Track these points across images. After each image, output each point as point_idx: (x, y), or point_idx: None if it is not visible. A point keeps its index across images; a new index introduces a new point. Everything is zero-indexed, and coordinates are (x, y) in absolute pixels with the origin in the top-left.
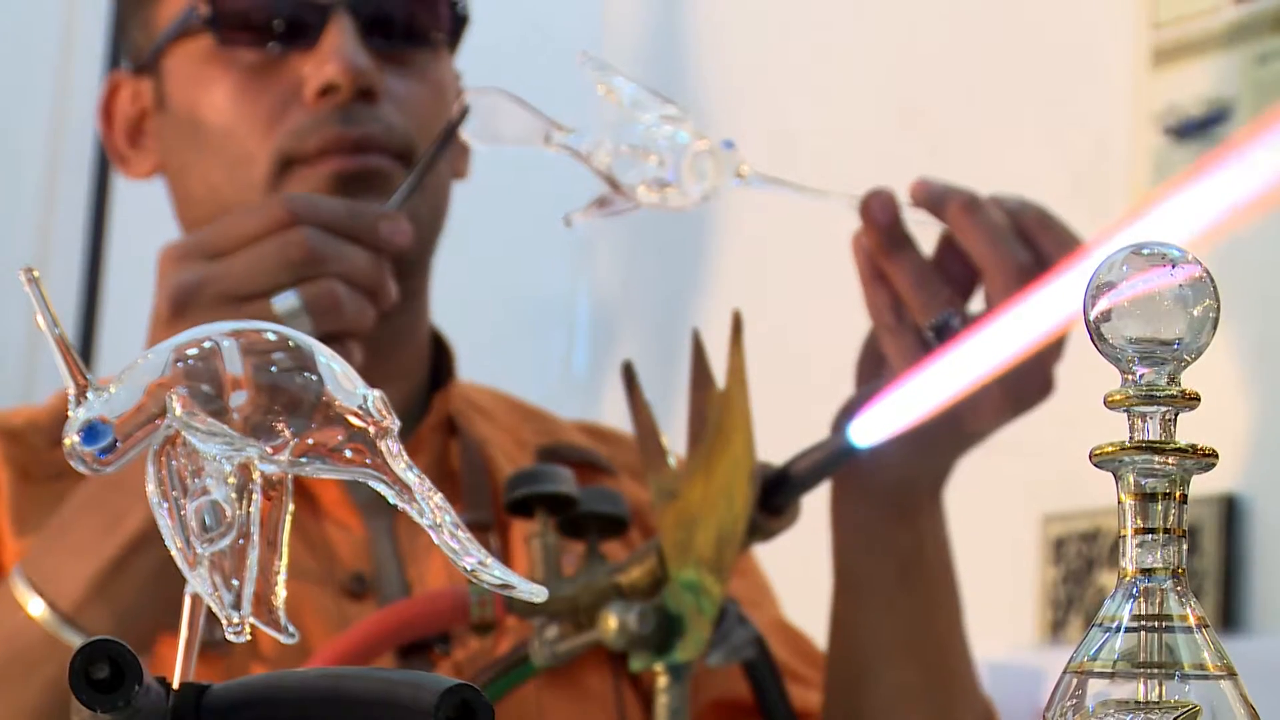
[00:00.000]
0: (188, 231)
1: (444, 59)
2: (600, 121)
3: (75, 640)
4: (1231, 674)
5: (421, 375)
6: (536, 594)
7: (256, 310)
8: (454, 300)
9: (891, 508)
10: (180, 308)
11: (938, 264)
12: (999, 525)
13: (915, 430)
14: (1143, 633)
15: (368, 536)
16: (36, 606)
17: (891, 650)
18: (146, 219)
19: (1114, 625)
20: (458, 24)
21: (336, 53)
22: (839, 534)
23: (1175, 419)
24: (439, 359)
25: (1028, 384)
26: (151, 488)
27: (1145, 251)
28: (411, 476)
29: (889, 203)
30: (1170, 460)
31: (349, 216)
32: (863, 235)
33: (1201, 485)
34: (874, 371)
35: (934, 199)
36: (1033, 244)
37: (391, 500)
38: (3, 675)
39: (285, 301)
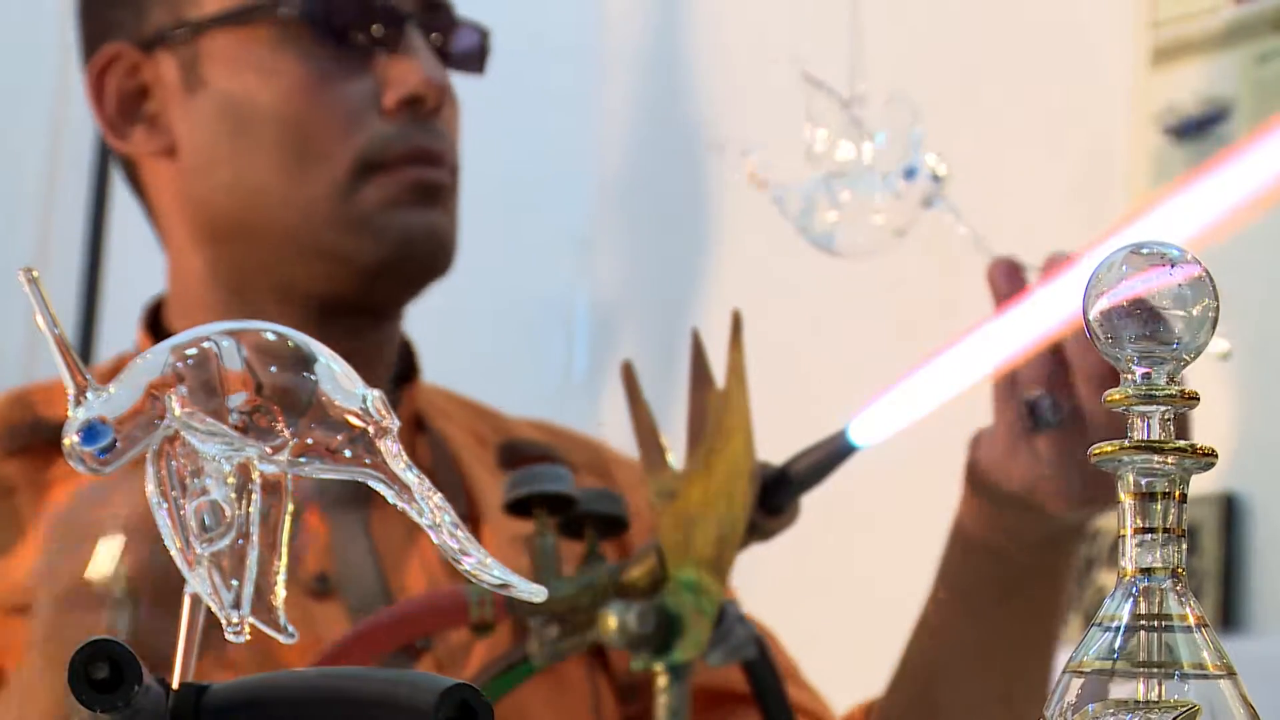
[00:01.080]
0: (205, 215)
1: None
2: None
3: None
4: (1231, 673)
5: (393, 374)
6: (536, 593)
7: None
8: (454, 301)
9: (1008, 533)
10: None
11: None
12: None
13: (1029, 501)
14: (1142, 632)
15: (332, 536)
16: None
17: (968, 659)
18: (146, 219)
19: (1113, 624)
20: (485, 57)
21: (427, 67)
22: (952, 536)
23: (1174, 418)
24: (403, 357)
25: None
26: (151, 488)
27: (1144, 251)
28: (411, 476)
29: (1012, 273)
30: (1170, 460)
31: None
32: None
33: (1201, 484)
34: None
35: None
36: None
37: (391, 500)
38: None
39: None
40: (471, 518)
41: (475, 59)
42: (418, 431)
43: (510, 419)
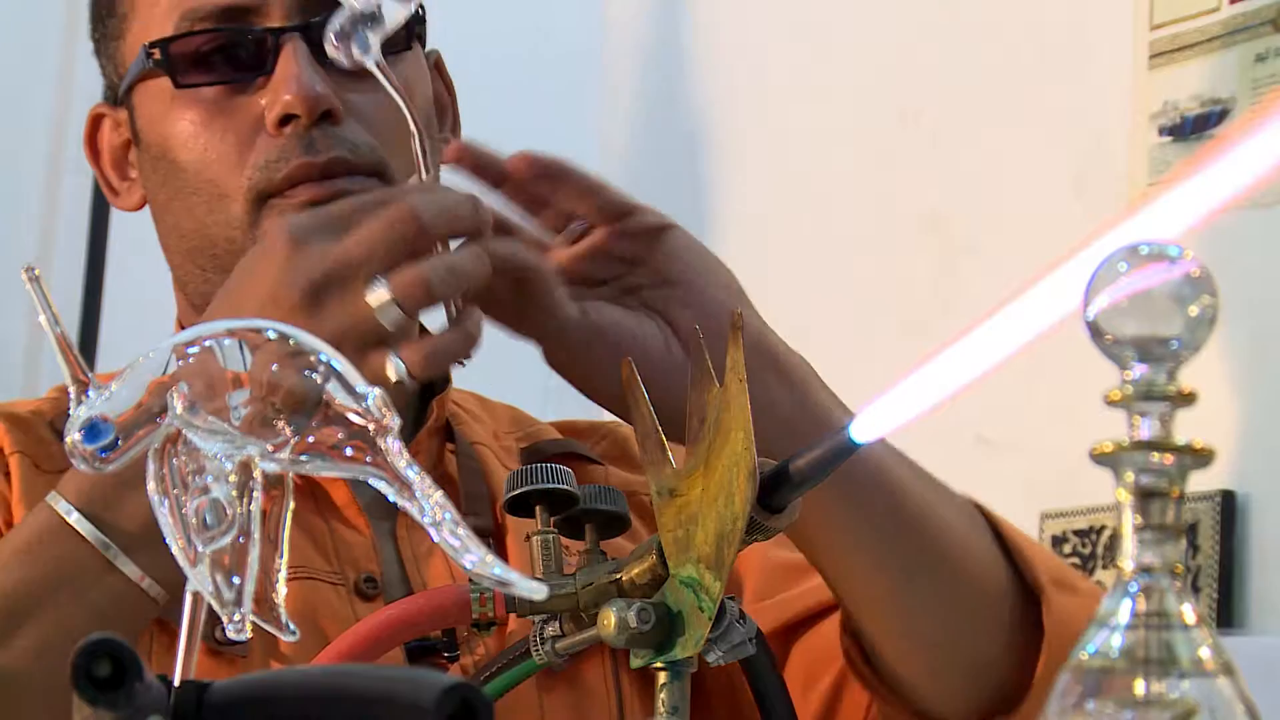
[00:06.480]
0: (175, 266)
1: (407, 58)
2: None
3: (132, 570)
4: (1229, 671)
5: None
6: (536, 591)
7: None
8: None
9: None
10: (316, 301)
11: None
12: None
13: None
14: (1141, 630)
15: (374, 538)
16: (91, 533)
17: (846, 563)
18: (147, 219)
19: (1112, 623)
20: (414, 22)
21: (291, 80)
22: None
23: (1173, 416)
24: None
25: None
26: (152, 485)
27: (1143, 249)
28: (412, 474)
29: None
30: (1168, 457)
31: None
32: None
33: (1200, 482)
34: None
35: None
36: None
37: (391, 498)
38: (52, 596)
39: (375, 294)
40: (497, 527)
41: (397, 40)
42: (444, 440)
43: (537, 421)
